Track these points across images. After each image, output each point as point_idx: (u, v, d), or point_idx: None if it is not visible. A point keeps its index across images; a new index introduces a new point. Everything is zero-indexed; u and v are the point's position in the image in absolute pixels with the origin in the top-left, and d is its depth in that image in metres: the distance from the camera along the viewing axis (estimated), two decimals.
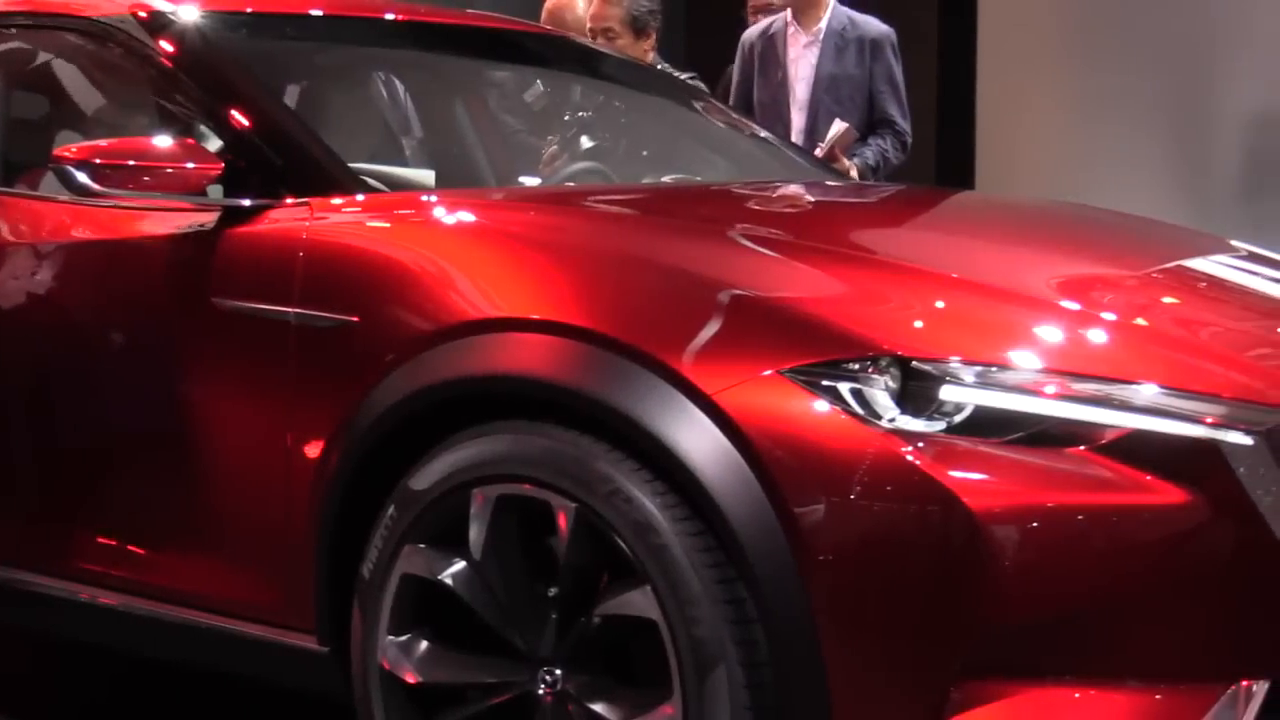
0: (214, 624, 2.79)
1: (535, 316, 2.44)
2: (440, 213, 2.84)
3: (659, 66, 5.22)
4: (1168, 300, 2.67)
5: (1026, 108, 7.31)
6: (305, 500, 2.62)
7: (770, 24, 5.44)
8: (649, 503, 2.27)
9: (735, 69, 5.54)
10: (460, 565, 2.45)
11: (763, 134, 4.11)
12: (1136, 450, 2.18)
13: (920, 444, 2.18)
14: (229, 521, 2.77)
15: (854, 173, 4.99)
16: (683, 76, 5.22)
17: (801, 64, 5.31)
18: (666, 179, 3.81)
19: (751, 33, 5.51)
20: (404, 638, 2.51)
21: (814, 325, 2.29)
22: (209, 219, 2.82)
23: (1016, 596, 2.14)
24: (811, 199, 3.43)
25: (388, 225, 2.76)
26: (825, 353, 2.24)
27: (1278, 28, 6.60)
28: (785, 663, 2.21)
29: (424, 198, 3.02)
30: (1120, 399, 2.22)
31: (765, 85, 5.38)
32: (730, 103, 5.41)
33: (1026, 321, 2.37)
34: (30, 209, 3.19)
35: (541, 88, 4.24)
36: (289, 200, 2.79)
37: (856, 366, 2.23)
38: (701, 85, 5.24)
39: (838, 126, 4.95)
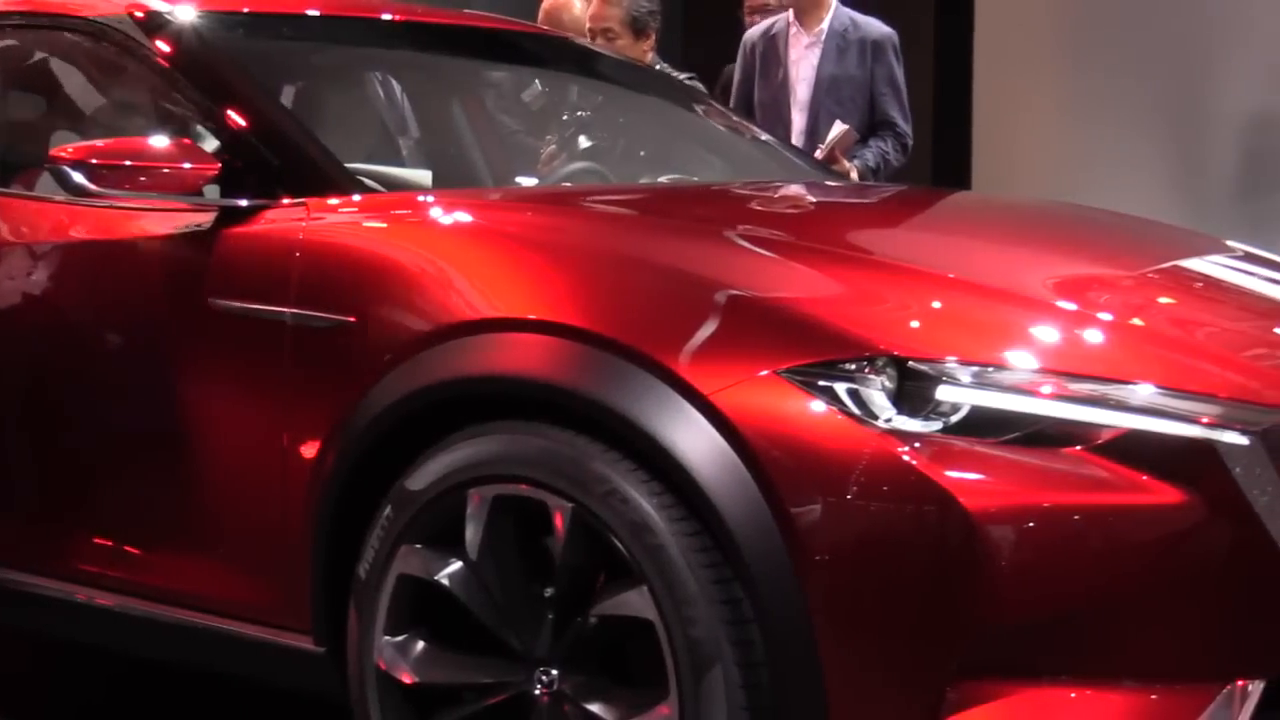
0: (210, 624, 2.79)
1: (532, 317, 2.44)
2: (437, 213, 2.84)
3: (658, 67, 5.22)
4: (1164, 300, 2.67)
5: (1023, 108, 7.31)
6: (302, 500, 2.62)
7: (772, 24, 5.44)
8: (645, 503, 2.27)
9: (736, 69, 5.54)
10: (456, 565, 2.45)
11: (761, 135, 4.11)
12: (1133, 450, 2.18)
13: (916, 444, 2.18)
14: (225, 522, 2.77)
15: (854, 174, 4.98)
16: (681, 77, 5.22)
17: (803, 65, 5.30)
18: (663, 179, 3.81)
19: (753, 33, 5.50)
20: (400, 638, 2.51)
21: (810, 325, 2.29)
22: (205, 219, 2.82)
23: (1013, 596, 2.14)
24: (808, 199, 3.43)
25: (384, 226, 2.76)
26: (822, 353, 2.24)
27: (1273, 28, 6.61)
28: (782, 663, 2.21)
29: (421, 198, 3.02)
30: (1116, 399, 2.22)
31: (766, 85, 5.38)
32: (731, 103, 5.41)
33: (1023, 322, 2.37)
34: (26, 209, 3.19)
35: (540, 87, 4.24)
36: (285, 200, 2.79)
37: (853, 366, 2.23)
38: (700, 86, 5.23)
39: (838, 128, 4.94)
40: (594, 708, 2.35)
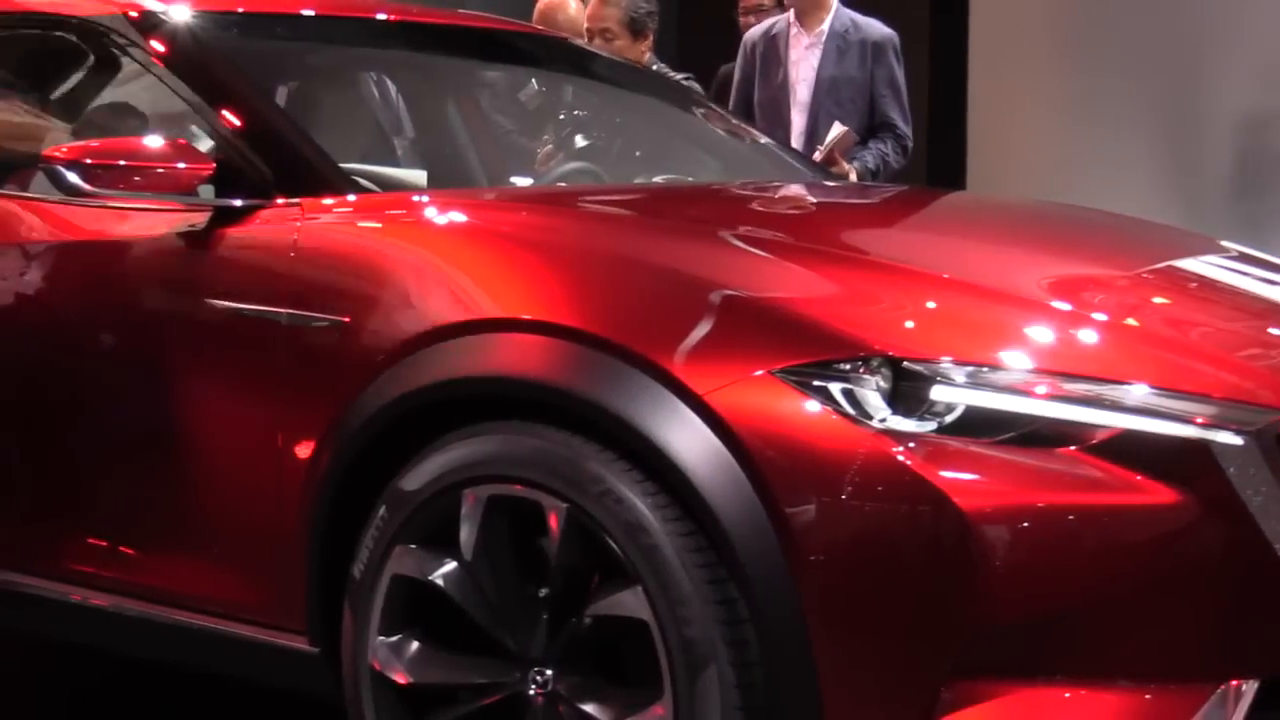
0: (205, 625, 2.79)
1: (526, 317, 2.44)
2: (432, 213, 2.84)
3: (655, 67, 5.22)
4: (1158, 300, 2.68)
5: (1018, 108, 7.32)
6: (296, 501, 2.62)
7: (773, 24, 5.43)
8: (640, 503, 2.27)
9: (736, 69, 5.53)
10: (451, 566, 2.45)
11: (758, 136, 4.11)
12: (1127, 450, 2.19)
13: (911, 444, 2.18)
14: (220, 522, 2.77)
15: (853, 176, 4.96)
16: (678, 77, 5.22)
17: (803, 65, 5.30)
18: (658, 179, 3.81)
19: (754, 33, 5.50)
20: (395, 638, 2.51)
21: (805, 325, 2.29)
22: (200, 219, 2.82)
23: (1007, 596, 2.15)
24: (803, 199, 3.43)
25: (379, 226, 2.76)
26: (816, 353, 2.24)
27: (1267, 29, 6.62)
28: (776, 663, 2.21)
29: (415, 198, 3.01)
30: (1111, 399, 2.22)
31: (766, 86, 5.37)
32: (730, 103, 5.40)
33: (1017, 322, 2.37)
34: (20, 209, 3.18)
35: (535, 87, 4.24)
36: (280, 200, 2.78)
37: (848, 367, 2.23)
38: (697, 86, 5.23)
39: (837, 129, 4.93)
40: (589, 708, 2.35)
